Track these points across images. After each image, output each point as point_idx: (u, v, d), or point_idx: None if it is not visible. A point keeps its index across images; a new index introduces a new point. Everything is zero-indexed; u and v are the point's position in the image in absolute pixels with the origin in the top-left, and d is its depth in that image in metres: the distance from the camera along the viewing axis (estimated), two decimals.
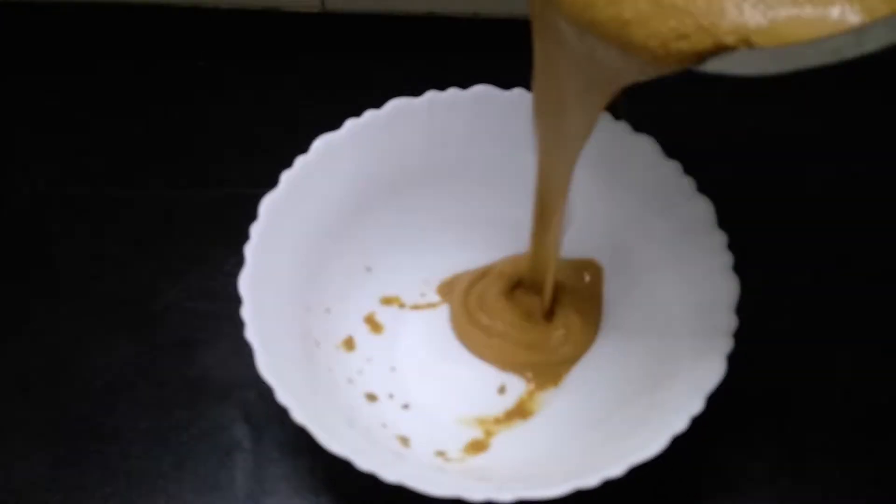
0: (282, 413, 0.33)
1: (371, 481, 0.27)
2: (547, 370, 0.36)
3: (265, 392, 0.34)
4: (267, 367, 0.29)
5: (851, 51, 0.21)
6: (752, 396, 0.35)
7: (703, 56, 0.22)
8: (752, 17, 0.21)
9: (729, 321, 0.30)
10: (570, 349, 0.36)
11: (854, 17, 0.20)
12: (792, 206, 0.41)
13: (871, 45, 0.21)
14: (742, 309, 0.31)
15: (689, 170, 0.34)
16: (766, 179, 0.42)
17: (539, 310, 0.37)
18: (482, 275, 0.38)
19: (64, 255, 0.40)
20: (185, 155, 0.43)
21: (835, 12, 0.21)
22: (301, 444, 0.34)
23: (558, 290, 0.37)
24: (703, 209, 0.33)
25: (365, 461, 0.27)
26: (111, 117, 0.45)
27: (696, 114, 0.43)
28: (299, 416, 0.28)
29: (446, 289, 0.39)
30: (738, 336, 0.30)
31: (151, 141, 0.44)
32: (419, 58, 0.45)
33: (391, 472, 0.27)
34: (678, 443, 0.34)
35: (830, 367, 0.36)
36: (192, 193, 0.42)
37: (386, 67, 0.46)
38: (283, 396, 0.28)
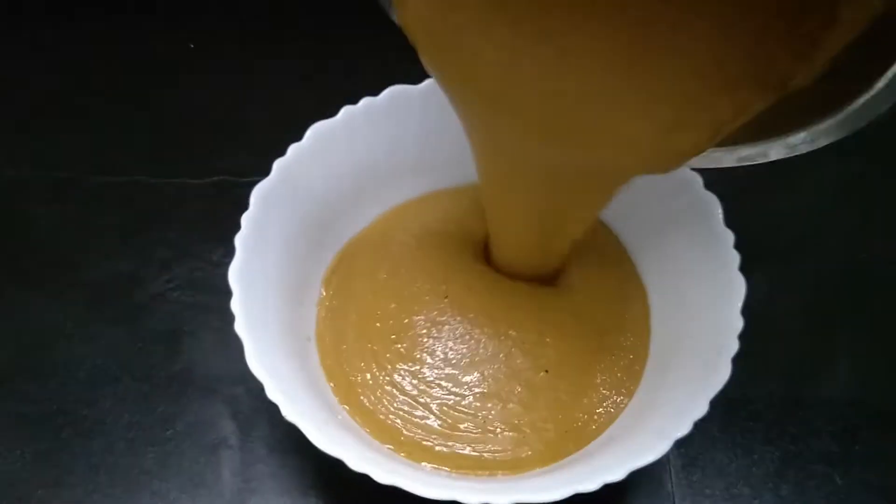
0: (270, 409, 0.32)
1: (363, 482, 0.26)
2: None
3: (253, 388, 0.33)
4: (256, 361, 0.28)
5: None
6: (756, 399, 0.35)
7: None
8: None
9: (734, 322, 0.29)
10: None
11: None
12: (800, 206, 0.41)
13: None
14: (748, 310, 0.30)
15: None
16: (773, 177, 0.41)
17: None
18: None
19: (46, 243, 0.39)
20: (174, 141, 0.43)
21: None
22: (290, 442, 0.34)
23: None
24: (709, 206, 0.32)
25: (358, 461, 0.26)
26: (97, 102, 0.44)
27: None
28: (289, 413, 0.27)
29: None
30: (743, 337, 0.29)
31: (138, 127, 0.43)
32: None
33: (385, 473, 0.26)
34: (677, 444, 0.33)
35: (835, 370, 0.36)
36: (180, 181, 0.41)
37: (384, 53, 0.45)
38: (272, 393, 0.27)
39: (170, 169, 0.41)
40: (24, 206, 0.40)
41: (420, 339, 0.33)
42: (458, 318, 0.33)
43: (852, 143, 0.43)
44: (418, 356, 0.33)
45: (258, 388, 0.28)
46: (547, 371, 0.32)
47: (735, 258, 0.31)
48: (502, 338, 0.33)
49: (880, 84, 0.20)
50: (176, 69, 0.45)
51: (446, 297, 0.34)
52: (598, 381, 0.32)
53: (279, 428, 0.34)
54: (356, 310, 0.34)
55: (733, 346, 0.29)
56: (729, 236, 0.31)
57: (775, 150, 0.22)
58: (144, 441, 0.34)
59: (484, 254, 0.36)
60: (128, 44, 0.46)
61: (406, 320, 0.33)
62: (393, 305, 0.34)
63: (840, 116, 0.21)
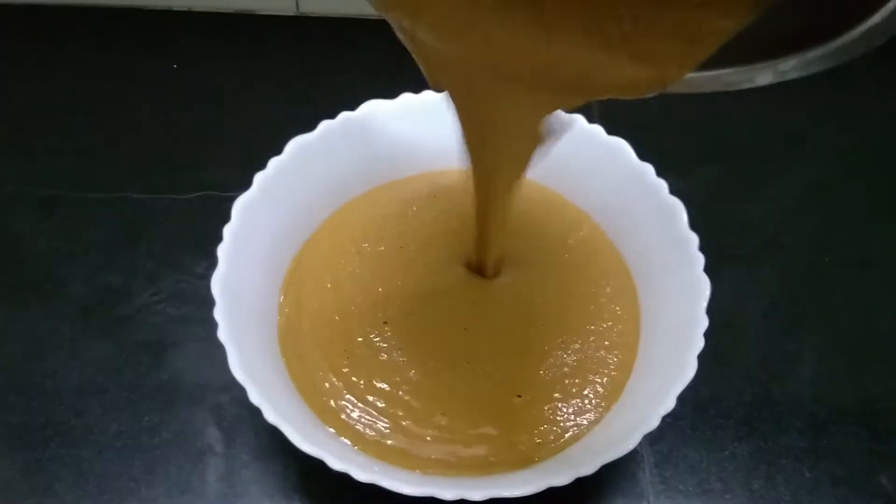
0: (254, 416, 0.33)
1: (343, 482, 0.27)
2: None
3: (237, 395, 0.34)
4: (239, 367, 0.29)
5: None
6: (726, 397, 0.36)
7: None
8: None
9: (700, 321, 0.30)
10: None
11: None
12: (767, 210, 0.42)
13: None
14: (718, 311, 0.31)
15: (661, 172, 0.34)
16: (737, 182, 0.42)
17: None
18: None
19: (34, 258, 0.40)
20: (158, 157, 0.43)
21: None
22: (273, 447, 0.34)
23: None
24: (675, 211, 0.33)
25: (337, 461, 0.27)
26: (83, 119, 0.45)
27: (669, 117, 0.44)
28: (271, 416, 0.28)
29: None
30: (713, 338, 0.30)
31: (125, 144, 0.44)
32: (393, 60, 0.45)
33: (364, 471, 0.27)
34: (650, 442, 0.34)
35: (801, 368, 0.37)
36: (165, 196, 0.42)
37: (360, 69, 0.46)
38: (255, 397, 0.28)
39: (155, 184, 0.42)
40: (12, 221, 0.41)
41: (370, 359, 0.32)
42: (407, 347, 0.33)
43: (816, 148, 0.44)
44: (373, 374, 0.32)
45: (242, 395, 0.28)
46: (520, 396, 0.32)
47: (700, 259, 0.32)
48: (462, 369, 0.32)
49: (878, 17, 0.19)
50: (161, 88, 0.46)
51: (385, 322, 0.33)
52: (580, 397, 0.32)
53: (263, 434, 0.34)
54: (308, 318, 0.33)
55: (699, 344, 0.30)
56: (694, 239, 0.32)
57: (763, 76, 0.20)
58: (132, 449, 0.35)
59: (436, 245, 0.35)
60: (113, 62, 0.47)
61: (350, 340, 0.33)
62: (337, 318, 0.33)
63: (835, 45, 0.20)
